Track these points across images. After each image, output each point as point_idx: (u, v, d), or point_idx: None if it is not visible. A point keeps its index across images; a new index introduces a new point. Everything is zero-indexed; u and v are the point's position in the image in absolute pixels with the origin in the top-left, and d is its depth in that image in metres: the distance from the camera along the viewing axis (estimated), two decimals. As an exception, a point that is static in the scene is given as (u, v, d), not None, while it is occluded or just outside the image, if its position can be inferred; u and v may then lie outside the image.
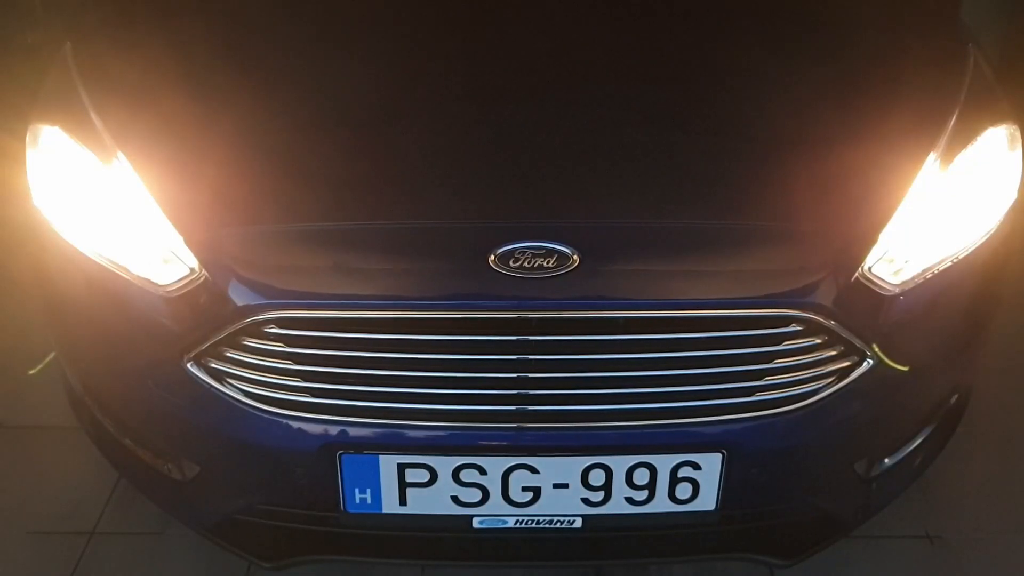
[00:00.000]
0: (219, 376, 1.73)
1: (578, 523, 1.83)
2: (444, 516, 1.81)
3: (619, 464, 1.74)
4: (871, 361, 1.74)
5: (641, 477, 1.76)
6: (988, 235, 1.85)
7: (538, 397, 1.70)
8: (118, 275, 1.77)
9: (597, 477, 1.76)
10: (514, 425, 1.72)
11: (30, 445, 2.55)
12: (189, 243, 1.73)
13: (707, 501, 1.79)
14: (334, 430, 1.72)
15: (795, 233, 1.75)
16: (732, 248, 1.72)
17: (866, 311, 1.74)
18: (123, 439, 1.98)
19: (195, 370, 1.73)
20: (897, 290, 1.75)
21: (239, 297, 1.69)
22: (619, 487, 1.77)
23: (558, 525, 1.83)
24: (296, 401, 1.72)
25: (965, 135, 1.89)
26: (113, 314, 1.80)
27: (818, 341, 1.72)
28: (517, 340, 1.67)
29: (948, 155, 1.85)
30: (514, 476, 1.75)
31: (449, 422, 1.72)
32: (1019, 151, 1.94)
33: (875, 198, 1.79)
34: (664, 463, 1.75)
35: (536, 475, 1.75)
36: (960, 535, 2.31)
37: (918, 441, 1.99)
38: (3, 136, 2.47)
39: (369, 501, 1.79)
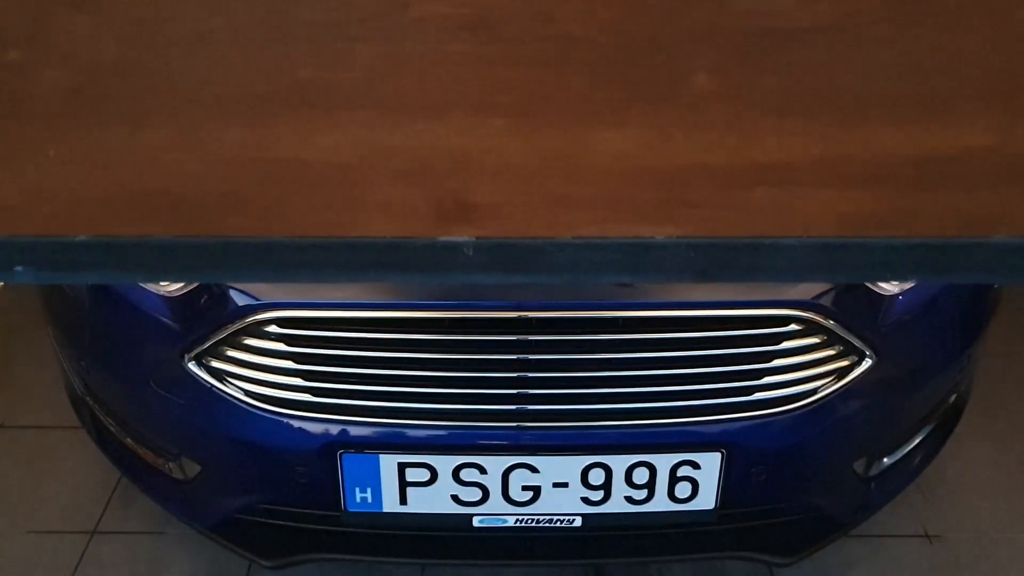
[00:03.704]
0: (220, 376, 1.74)
1: (578, 522, 1.84)
2: (444, 515, 1.82)
3: (619, 463, 1.75)
4: (870, 361, 1.75)
5: (640, 476, 1.77)
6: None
7: (538, 396, 1.71)
8: (119, 274, 1.78)
9: (597, 476, 1.77)
10: (514, 424, 1.73)
11: (30, 445, 2.56)
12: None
13: (706, 500, 1.81)
14: (335, 429, 1.73)
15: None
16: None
17: (865, 311, 1.75)
18: (124, 439, 1.99)
19: (196, 369, 1.74)
20: (896, 290, 1.77)
21: (240, 297, 1.70)
22: (619, 486, 1.78)
23: (558, 524, 1.84)
24: (297, 401, 1.73)
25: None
26: (114, 313, 1.82)
27: (817, 341, 1.73)
28: (517, 340, 1.68)
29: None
30: (514, 475, 1.76)
31: (449, 421, 1.73)
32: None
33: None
34: (663, 462, 1.76)
35: (536, 474, 1.76)
36: (959, 535, 2.32)
37: (917, 440, 2.00)
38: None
39: (370, 500, 1.80)
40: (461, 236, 0.62)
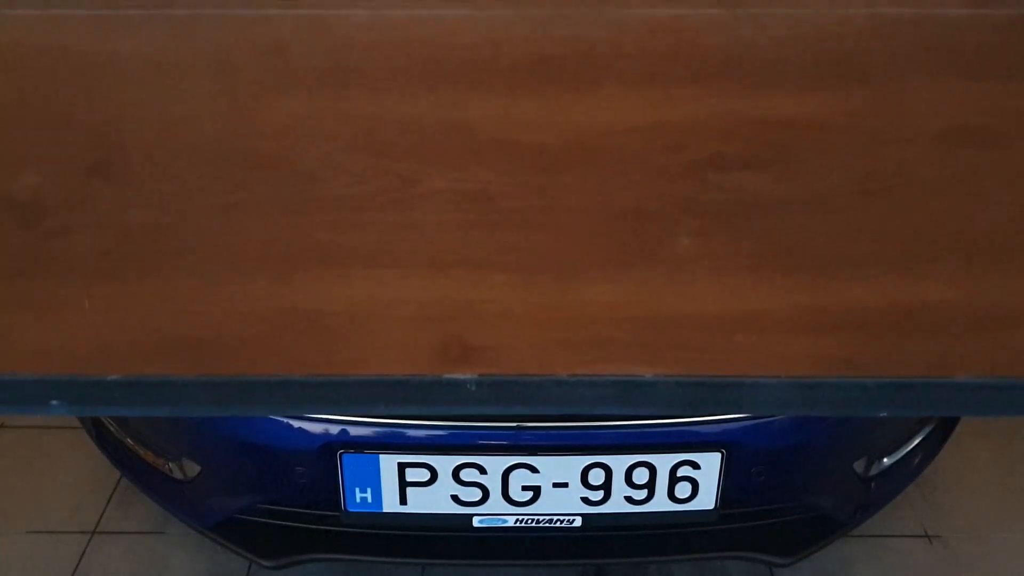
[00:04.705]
0: (220, 375, 1.76)
1: (578, 522, 1.86)
2: (444, 515, 1.85)
3: (618, 463, 1.77)
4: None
5: (640, 476, 1.79)
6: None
7: (538, 396, 1.73)
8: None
9: (597, 476, 1.79)
10: (514, 424, 1.75)
11: (30, 445, 2.58)
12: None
13: (706, 500, 1.82)
14: (335, 429, 1.75)
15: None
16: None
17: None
18: (124, 439, 2.01)
19: (197, 369, 1.76)
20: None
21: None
22: (618, 486, 1.80)
23: (558, 524, 1.86)
24: (297, 401, 1.75)
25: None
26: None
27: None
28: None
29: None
30: (514, 475, 1.78)
31: (449, 421, 1.75)
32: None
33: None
34: (663, 462, 1.78)
35: (536, 474, 1.78)
36: (959, 534, 2.34)
37: (917, 440, 2.02)
38: None
39: (370, 500, 1.82)
40: (464, 374, 0.69)
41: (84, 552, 2.28)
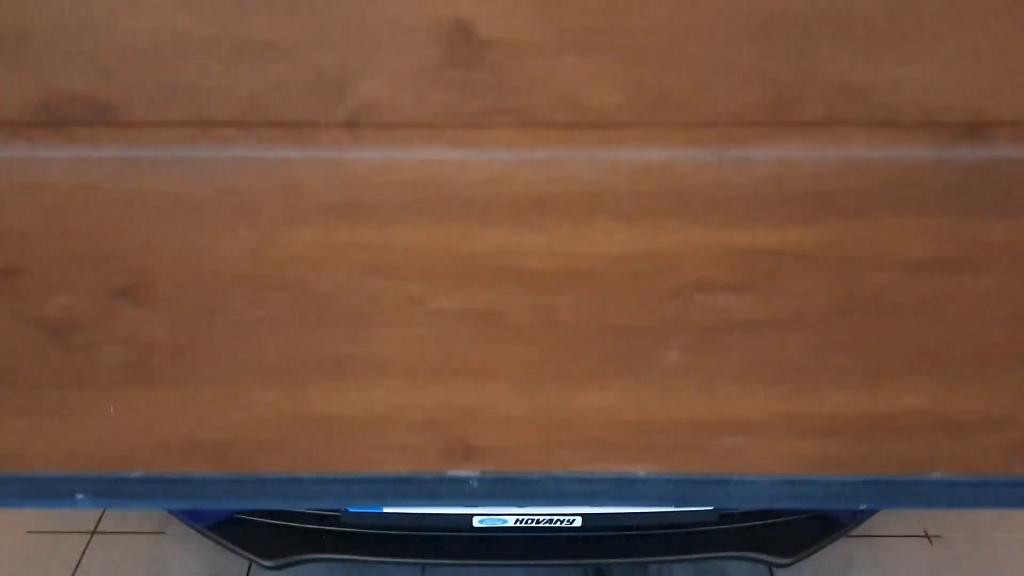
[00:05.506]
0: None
1: (578, 522, 1.89)
2: (444, 515, 1.87)
3: (619, 465, 1.79)
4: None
5: (641, 477, 1.81)
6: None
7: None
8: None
9: (597, 478, 1.81)
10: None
11: (28, 442, 2.59)
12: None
13: (706, 501, 1.85)
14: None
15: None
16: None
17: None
18: (123, 438, 2.03)
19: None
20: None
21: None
22: (619, 487, 1.82)
23: (558, 524, 1.89)
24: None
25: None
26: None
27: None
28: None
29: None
30: (514, 477, 1.81)
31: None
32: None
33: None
34: (663, 464, 1.80)
35: (536, 476, 1.81)
36: (959, 535, 2.35)
37: (917, 440, 2.04)
38: None
39: (370, 500, 1.84)
40: (467, 471, 0.75)
41: (84, 552, 2.29)
